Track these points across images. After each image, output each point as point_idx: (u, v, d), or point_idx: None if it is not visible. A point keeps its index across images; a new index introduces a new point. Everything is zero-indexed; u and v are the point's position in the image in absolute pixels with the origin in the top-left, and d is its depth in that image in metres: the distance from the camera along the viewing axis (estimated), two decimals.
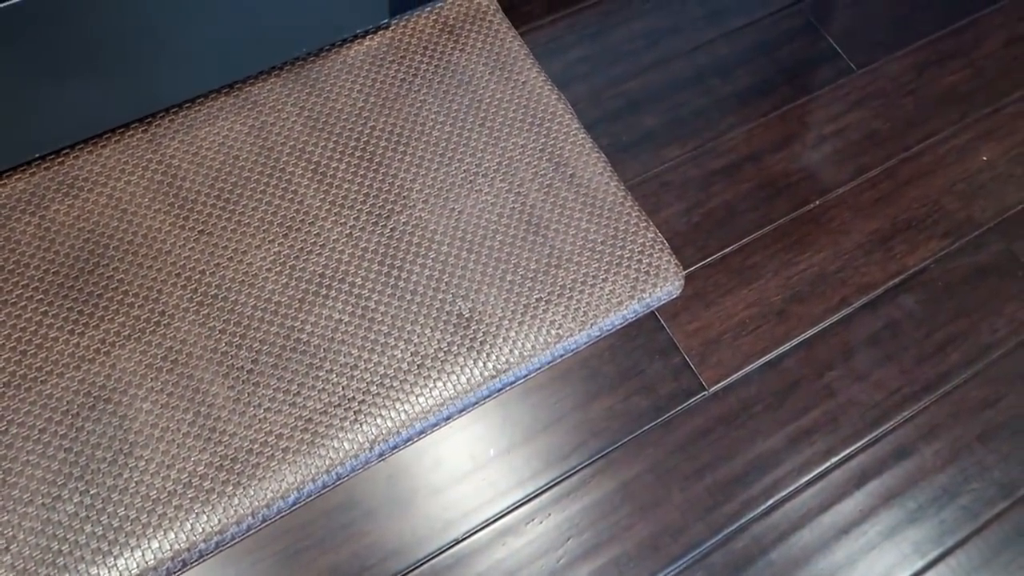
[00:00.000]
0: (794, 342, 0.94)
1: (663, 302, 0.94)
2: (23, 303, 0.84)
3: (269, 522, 0.80)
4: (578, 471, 0.86)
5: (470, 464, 0.86)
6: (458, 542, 0.83)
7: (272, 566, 0.81)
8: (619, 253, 0.94)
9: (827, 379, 0.93)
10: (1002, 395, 0.95)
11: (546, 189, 0.97)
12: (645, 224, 0.96)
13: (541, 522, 0.84)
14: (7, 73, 0.79)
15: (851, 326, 0.96)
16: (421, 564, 0.82)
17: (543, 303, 0.91)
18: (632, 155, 1.04)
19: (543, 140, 1.00)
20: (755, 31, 1.15)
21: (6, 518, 0.75)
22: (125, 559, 0.74)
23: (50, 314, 0.84)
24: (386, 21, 1.05)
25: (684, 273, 0.95)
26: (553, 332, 0.89)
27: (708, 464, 0.87)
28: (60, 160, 0.92)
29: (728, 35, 1.14)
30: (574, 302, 0.91)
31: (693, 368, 0.92)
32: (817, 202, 1.04)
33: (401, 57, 1.04)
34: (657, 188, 1.02)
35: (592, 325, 0.90)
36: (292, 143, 0.96)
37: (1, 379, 0.81)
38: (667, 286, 0.93)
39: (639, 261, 0.94)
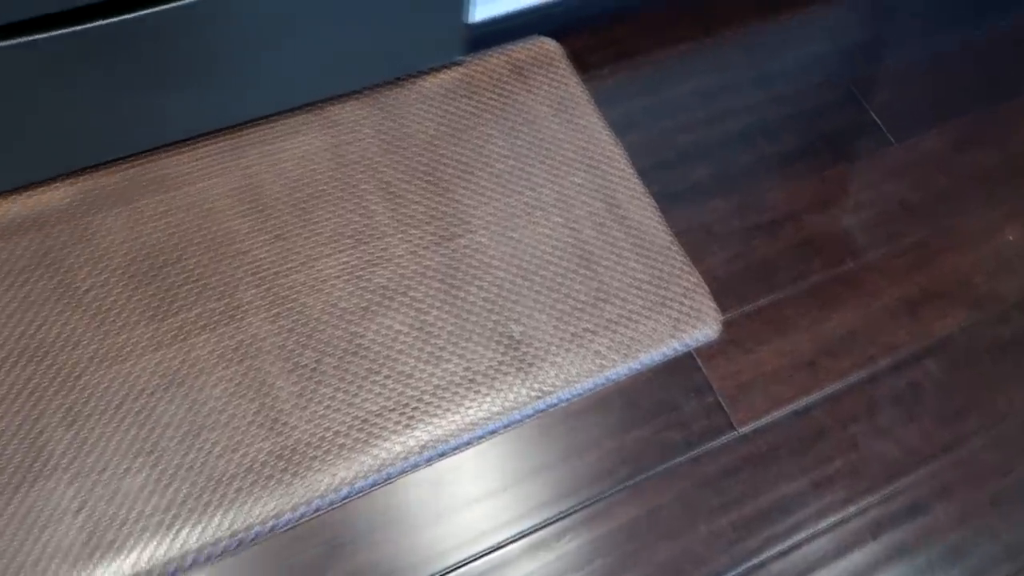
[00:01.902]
0: (822, 394, 0.99)
1: (701, 343, 0.99)
2: (109, 287, 0.90)
3: (320, 513, 0.85)
4: (609, 496, 0.91)
5: (508, 478, 0.91)
6: (492, 551, 0.88)
7: (316, 556, 0.85)
8: (663, 293, 1.00)
9: (851, 431, 0.97)
10: (1015, 463, 1.00)
11: (599, 227, 1.04)
12: (689, 269, 1.02)
13: (571, 540, 0.89)
14: (114, 79, 0.86)
15: (877, 384, 1.01)
16: (455, 569, 0.86)
17: (589, 333, 0.96)
18: (680, 203, 1.10)
19: (599, 181, 1.07)
20: (801, 98, 1.22)
21: (80, 483, 0.80)
22: (186, 533, 0.79)
23: (133, 299, 0.90)
24: (461, 58, 1.12)
25: (723, 319, 1.00)
26: (597, 361, 0.94)
27: (733, 500, 0.92)
28: (153, 159, 0.99)
29: (776, 99, 1.21)
30: (619, 335, 0.96)
31: (725, 409, 0.97)
32: (851, 264, 1.09)
33: (472, 92, 1.11)
34: (702, 237, 1.08)
35: (634, 358, 0.95)
36: (366, 162, 1.03)
37: (85, 355, 0.86)
38: (706, 329, 0.99)
39: (681, 303, 1.00)
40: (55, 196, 0.94)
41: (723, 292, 1.04)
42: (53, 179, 0.95)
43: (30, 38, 0.75)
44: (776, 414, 0.97)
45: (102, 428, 0.83)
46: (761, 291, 1.05)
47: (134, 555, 0.78)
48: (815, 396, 0.99)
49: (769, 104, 1.20)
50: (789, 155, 1.16)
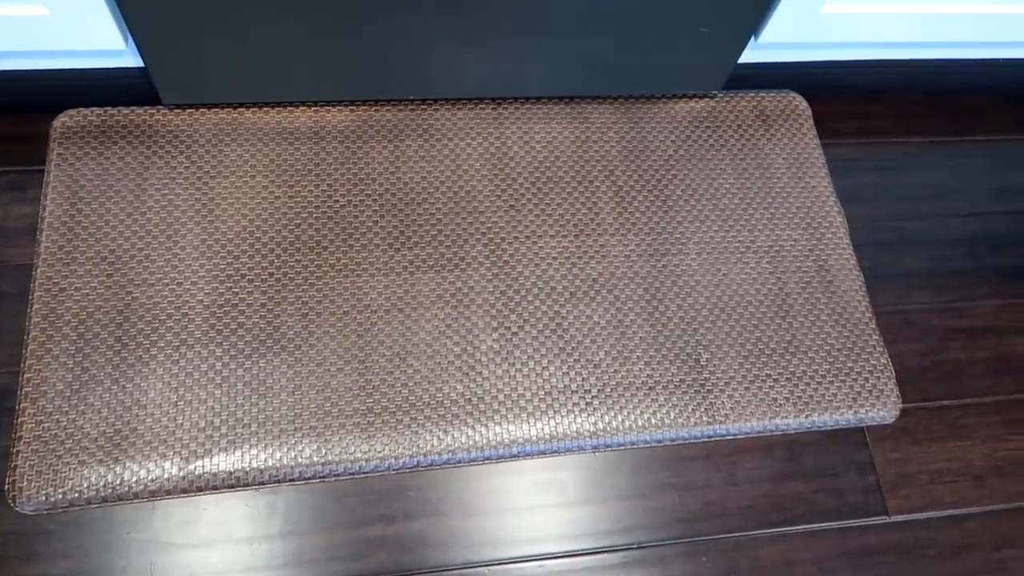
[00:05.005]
0: (982, 509, 0.99)
1: (875, 423, 1.00)
2: (363, 208, 1.00)
3: (490, 462, 0.91)
4: (753, 534, 0.94)
5: (650, 491, 0.95)
6: (643, 547, 0.92)
7: (375, 509, 0.91)
8: (851, 365, 1.02)
9: (1003, 555, 0.96)
10: None
11: (804, 284, 1.06)
12: (881, 349, 1.03)
13: (710, 563, 0.92)
14: (435, 25, 0.95)
15: None
16: (515, 562, 0.91)
17: (771, 380, 0.99)
18: (887, 285, 1.11)
19: (814, 242, 1.09)
20: None
21: (299, 368, 0.90)
22: (376, 441, 0.88)
23: (379, 224, 0.99)
24: (715, 92, 1.17)
25: (901, 406, 1.01)
26: (773, 408, 0.97)
27: None
28: (423, 108, 1.08)
29: (1010, 216, 1.19)
30: (798, 390, 0.99)
31: (883, 492, 0.97)
32: None
33: (716, 126, 1.15)
34: (900, 323, 1.09)
35: (808, 417, 0.98)
36: (605, 163, 1.09)
37: (328, 260, 0.96)
38: (883, 411, 1.00)
39: (866, 379, 1.01)
40: (336, 117, 1.05)
41: (907, 381, 1.05)
42: (338, 103, 1.06)
43: None
44: (931, 513, 0.97)
45: (327, 327, 0.93)
46: (945, 392, 1.05)
47: (331, 445, 0.87)
48: (974, 509, 0.98)
49: (1002, 218, 1.19)
50: (1008, 273, 1.15)
